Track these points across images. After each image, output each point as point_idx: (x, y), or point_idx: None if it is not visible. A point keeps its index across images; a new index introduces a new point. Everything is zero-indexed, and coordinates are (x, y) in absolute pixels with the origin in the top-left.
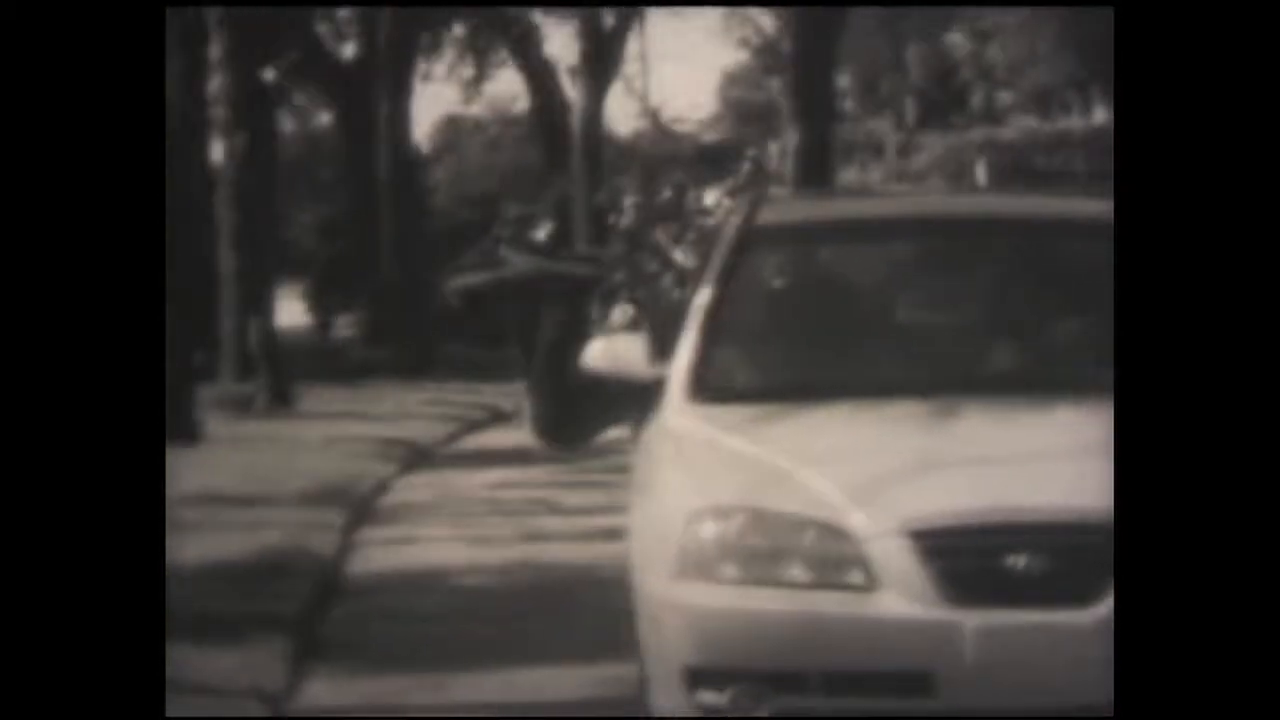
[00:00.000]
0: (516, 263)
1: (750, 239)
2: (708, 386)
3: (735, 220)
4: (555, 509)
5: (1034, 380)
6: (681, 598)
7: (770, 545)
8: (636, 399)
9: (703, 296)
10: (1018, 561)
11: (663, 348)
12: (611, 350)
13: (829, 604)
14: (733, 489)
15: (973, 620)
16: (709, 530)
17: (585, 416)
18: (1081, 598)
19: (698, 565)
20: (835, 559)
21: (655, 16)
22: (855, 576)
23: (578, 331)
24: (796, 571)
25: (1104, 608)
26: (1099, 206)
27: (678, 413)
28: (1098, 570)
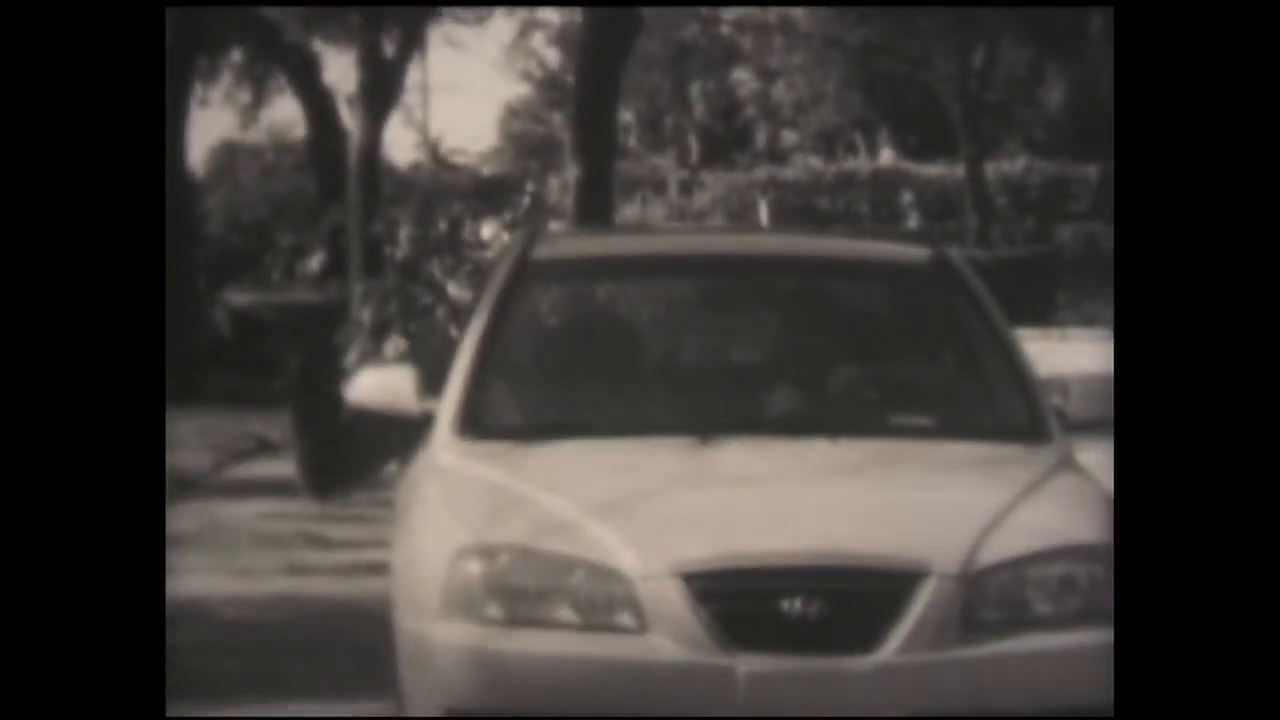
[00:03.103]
0: (237, 299)
1: (525, 274)
2: (477, 423)
3: (510, 254)
4: (320, 542)
5: (813, 422)
6: (443, 638)
7: (537, 585)
8: (405, 434)
9: (475, 331)
10: (793, 605)
11: (434, 382)
12: (380, 383)
13: (598, 646)
14: (499, 527)
15: (746, 665)
16: (474, 569)
17: (350, 459)
18: (860, 643)
19: (461, 604)
20: (605, 600)
21: (437, 47)
22: (625, 619)
23: (324, 367)
24: (564, 613)
25: (883, 654)
26: (879, 248)
27: (446, 449)
28: (877, 615)
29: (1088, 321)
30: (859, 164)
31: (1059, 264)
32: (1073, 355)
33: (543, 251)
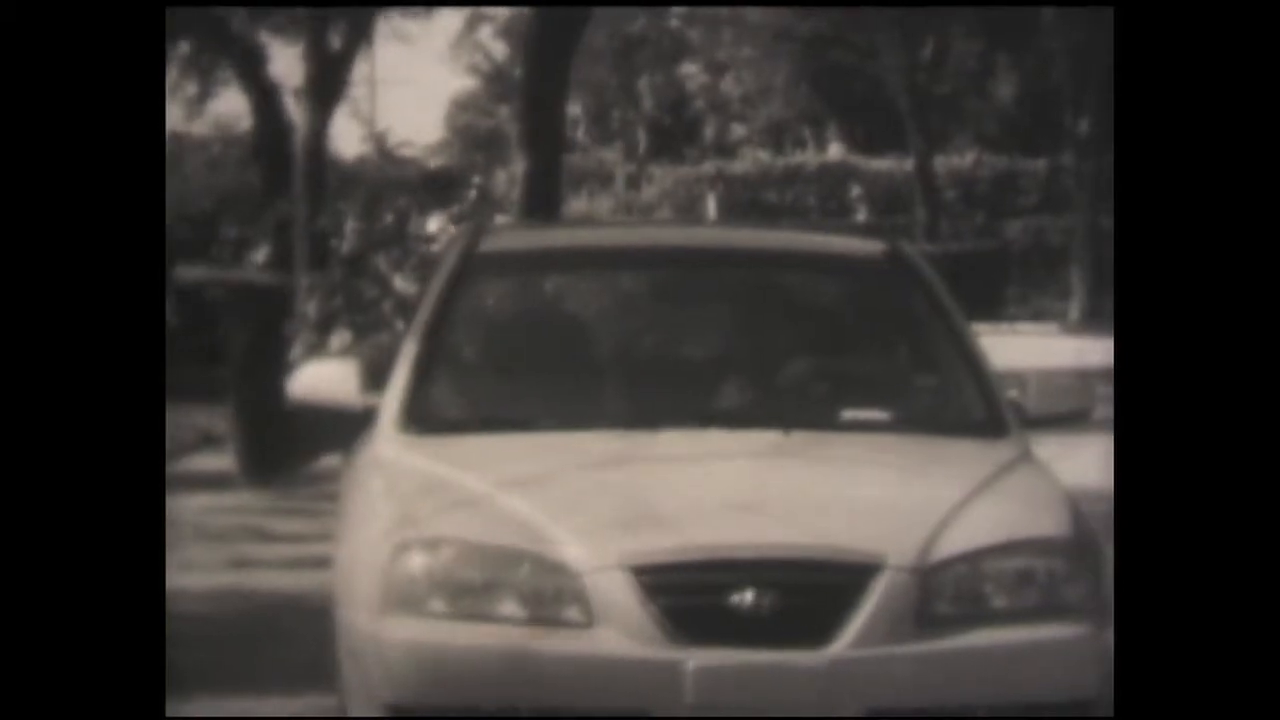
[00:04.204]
0: (186, 272)
1: (471, 267)
2: (421, 417)
3: (457, 247)
4: (266, 535)
5: (765, 415)
6: (386, 632)
7: (482, 579)
8: (348, 427)
9: (420, 324)
10: (744, 599)
11: (379, 376)
12: (323, 377)
13: (544, 641)
14: (443, 520)
15: (695, 660)
16: (417, 562)
17: (289, 446)
18: (813, 638)
19: (404, 599)
20: (551, 594)
21: (384, 40)
22: (572, 613)
23: (269, 353)
24: (509, 607)
25: (836, 648)
26: (833, 241)
27: (389, 443)
28: (830, 609)
29: (1037, 316)
30: (807, 157)
31: (1008, 258)
32: (1023, 350)
33: (490, 244)
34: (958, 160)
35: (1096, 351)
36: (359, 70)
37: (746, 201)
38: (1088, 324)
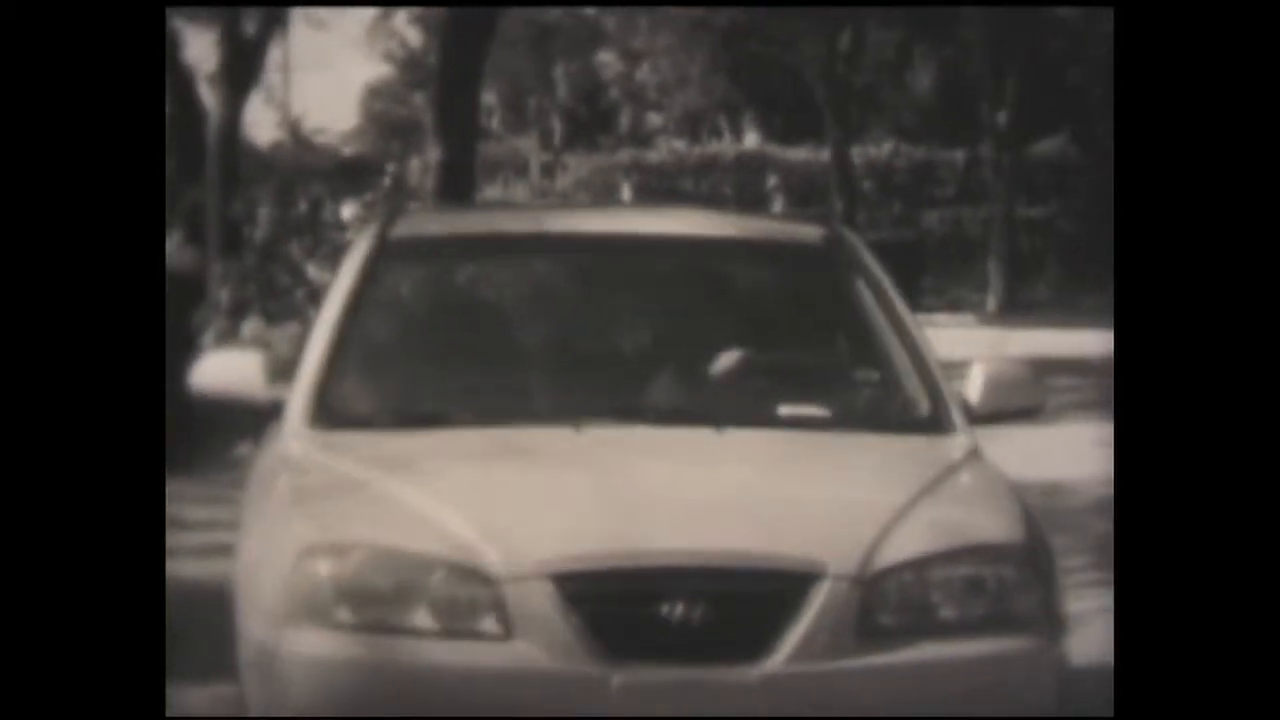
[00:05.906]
0: None
1: (385, 252)
2: (331, 411)
3: (370, 232)
4: (176, 523)
5: (697, 411)
6: (290, 644)
7: (393, 587)
8: (255, 420)
9: (330, 313)
10: (674, 610)
11: (289, 367)
12: (226, 368)
13: (458, 654)
14: (351, 523)
15: (621, 675)
16: (323, 569)
17: (199, 434)
18: (747, 652)
19: (309, 608)
20: (466, 604)
21: (299, 26)
22: (489, 624)
23: (180, 340)
24: (422, 617)
25: (772, 663)
26: (770, 227)
27: (296, 438)
28: (766, 621)
29: (953, 307)
30: (724, 147)
31: (925, 249)
32: (940, 342)
33: (404, 228)
34: (875, 150)
35: (1015, 342)
36: (273, 56)
37: (663, 190)
38: (1004, 315)
